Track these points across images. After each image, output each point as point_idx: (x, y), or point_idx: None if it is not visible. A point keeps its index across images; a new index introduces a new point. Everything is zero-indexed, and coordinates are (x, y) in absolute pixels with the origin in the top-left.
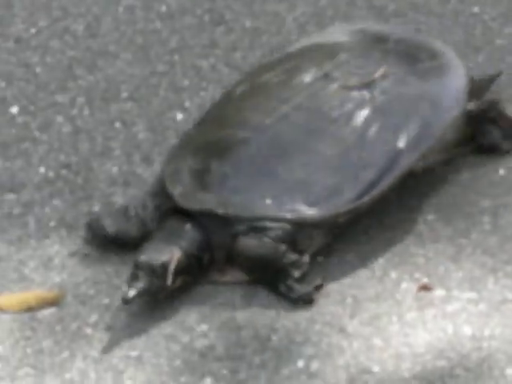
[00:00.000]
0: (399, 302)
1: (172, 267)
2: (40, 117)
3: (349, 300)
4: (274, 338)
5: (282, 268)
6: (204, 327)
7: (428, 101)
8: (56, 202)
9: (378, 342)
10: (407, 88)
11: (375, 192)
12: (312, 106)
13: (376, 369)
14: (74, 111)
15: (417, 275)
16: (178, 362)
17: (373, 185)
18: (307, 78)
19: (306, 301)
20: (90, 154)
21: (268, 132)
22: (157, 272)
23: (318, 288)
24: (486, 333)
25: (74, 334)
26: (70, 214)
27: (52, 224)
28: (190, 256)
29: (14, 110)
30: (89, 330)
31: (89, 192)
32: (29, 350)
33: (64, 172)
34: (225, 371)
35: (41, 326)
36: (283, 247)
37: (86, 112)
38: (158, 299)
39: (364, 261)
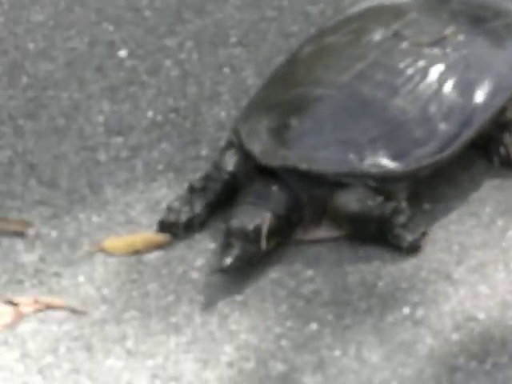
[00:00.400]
0: (506, 250)
1: (265, 230)
2: (148, 60)
3: (455, 247)
4: (380, 284)
5: (385, 218)
6: (310, 273)
7: (501, 57)
8: (164, 145)
9: (484, 289)
10: (478, 45)
11: (456, 145)
12: (386, 63)
13: (482, 316)
14: (183, 55)
15: None
16: (283, 307)
17: (453, 138)
18: (377, 36)
19: (414, 248)
20: (198, 98)
21: (345, 89)
22: (250, 237)
23: (424, 235)
24: None
25: (180, 277)
26: (178, 158)
27: (160, 167)
28: (280, 217)
29: (123, 53)
30: (195, 274)
31: (197, 136)
32: (135, 293)
33: (172, 116)
34: (330, 317)
35: (147, 269)
36: (380, 198)
37: (195, 56)
38: (253, 264)
39: (470, 208)
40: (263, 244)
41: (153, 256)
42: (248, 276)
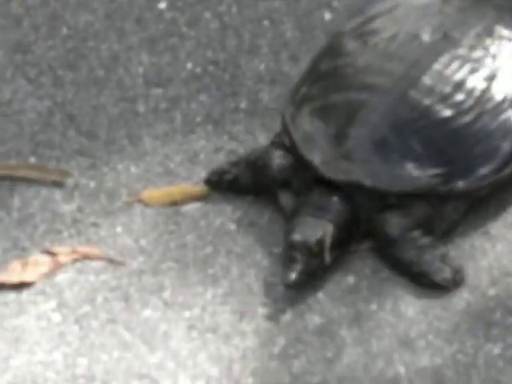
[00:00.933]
0: None
1: (328, 243)
2: (188, 12)
3: (493, 203)
4: None
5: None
6: None
7: None
8: (203, 97)
9: None
10: None
11: None
12: (441, 70)
13: None
14: (222, 8)
15: None
16: None
17: None
18: (426, 38)
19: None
20: (238, 50)
21: (401, 97)
22: (314, 251)
23: (458, 273)
24: None
25: (218, 229)
26: (217, 110)
27: (198, 119)
28: (341, 229)
29: (162, 5)
30: (233, 226)
31: (235, 88)
32: (172, 245)
33: (211, 68)
34: (367, 270)
35: (185, 220)
36: (417, 233)
37: (234, 9)
38: (317, 276)
39: None
40: (327, 257)
41: (190, 208)
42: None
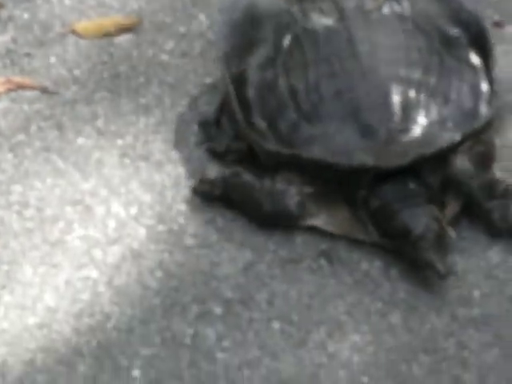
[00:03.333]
0: None
1: (444, 223)
2: None
3: None
4: None
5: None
6: None
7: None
8: None
9: None
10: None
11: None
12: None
13: None
14: None
15: (488, 12)
16: None
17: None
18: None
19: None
20: None
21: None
22: (440, 235)
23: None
24: None
25: (150, 60)
26: None
27: None
28: (437, 204)
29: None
30: (165, 57)
31: None
32: (105, 75)
33: None
34: None
35: (118, 51)
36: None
37: None
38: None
39: None
40: (452, 233)
41: (123, 39)
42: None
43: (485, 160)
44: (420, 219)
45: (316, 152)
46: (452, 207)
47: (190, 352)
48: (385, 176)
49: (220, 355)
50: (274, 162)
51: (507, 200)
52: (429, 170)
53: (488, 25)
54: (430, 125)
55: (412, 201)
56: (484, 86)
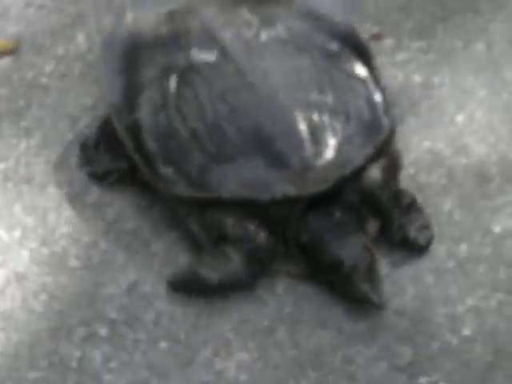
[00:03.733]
0: None
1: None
2: None
3: None
4: None
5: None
6: None
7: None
8: None
9: None
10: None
11: None
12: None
13: None
14: None
15: (368, 25)
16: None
17: None
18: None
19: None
20: None
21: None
22: (370, 264)
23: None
24: (436, 81)
25: (30, 82)
26: None
27: None
28: (366, 225)
29: None
30: (45, 79)
31: None
32: None
33: None
34: None
35: None
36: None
37: None
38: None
39: None
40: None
41: (3, 62)
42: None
43: (391, 170)
44: (351, 250)
45: (234, 190)
46: (372, 225)
47: (77, 375)
48: (310, 206)
49: (107, 377)
50: (187, 207)
51: (410, 213)
52: (348, 191)
53: (365, 37)
54: (340, 145)
55: (341, 230)
56: (378, 97)
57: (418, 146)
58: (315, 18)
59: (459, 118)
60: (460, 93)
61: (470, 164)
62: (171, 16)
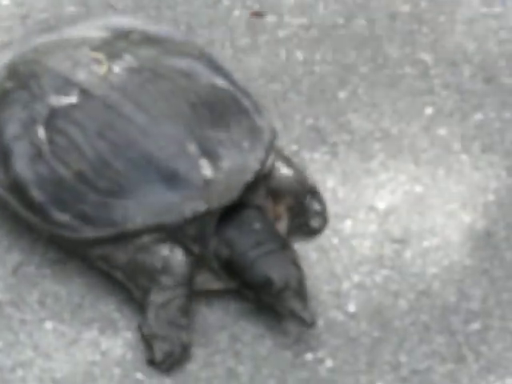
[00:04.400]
0: (232, 29)
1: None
2: None
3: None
4: None
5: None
6: None
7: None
8: None
9: None
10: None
11: None
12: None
13: None
14: None
15: (249, 2)
16: None
17: None
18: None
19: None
20: None
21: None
22: (300, 283)
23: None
24: (318, 57)
25: None
26: None
27: None
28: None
29: None
30: None
31: None
32: None
33: None
34: None
35: None
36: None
37: None
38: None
39: None
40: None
41: None
42: None
43: (288, 165)
44: (279, 268)
45: (143, 219)
46: (283, 220)
47: None
48: (225, 219)
49: None
50: (94, 247)
51: (310, 200)
52: (257, 197)
53: (248, 15)
54: (232, 154)
55: (265, 246)
56: (248, 103)
57: (300, 123)
58: (159, 43)
59: (342, 95)
60: (342, 69)
61: (353, 140)
62: (11, 69)
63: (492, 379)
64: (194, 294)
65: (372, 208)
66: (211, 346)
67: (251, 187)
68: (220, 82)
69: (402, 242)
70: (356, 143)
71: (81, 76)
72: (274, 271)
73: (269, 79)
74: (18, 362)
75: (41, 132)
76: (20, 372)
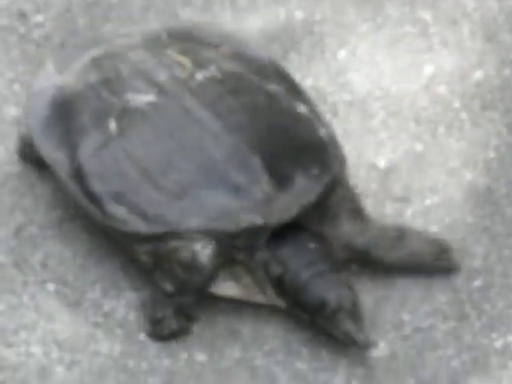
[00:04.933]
0: None
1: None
2: None
3: None
4: None
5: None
6: (40, 17)
7: None
8: None
9: None
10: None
11: None
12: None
13: None
14: None
15: None
16: (14, 52)
17: None
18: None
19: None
20: None
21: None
22: (354, 304)
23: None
24: (317, 17)
25: None
26: None
27: None
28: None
29: None
30: None
31: None
32: None
33: None
34: None
35: None
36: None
37: None
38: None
39: None
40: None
41: None
42: None
43: (350, 195)
44: (334, 290)
45: (197, 222)
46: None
47: None
48: (280, 238)
49: None
50: (143, 242)
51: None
52: (314, 221)
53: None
54: (298, 177)
55: (318, 266)
56: (323, 132)
57: (300, 82)
58: (247, 61)
59: (342, 54)
60: (342, 29)
61: (353, 100)
62: (97, 62)
63: (494, 336)
64: (210, 296)
65: (373, 166)
66: (213, 307)
67: (310, 211)
68: (300, 107)
69: (404, 200)
70: (356, 102)
71: (162, 76)
72: (328, 292)
73: (268, 39)
74: (20, 324)
75: (112, 125)
76: (23, 334)
